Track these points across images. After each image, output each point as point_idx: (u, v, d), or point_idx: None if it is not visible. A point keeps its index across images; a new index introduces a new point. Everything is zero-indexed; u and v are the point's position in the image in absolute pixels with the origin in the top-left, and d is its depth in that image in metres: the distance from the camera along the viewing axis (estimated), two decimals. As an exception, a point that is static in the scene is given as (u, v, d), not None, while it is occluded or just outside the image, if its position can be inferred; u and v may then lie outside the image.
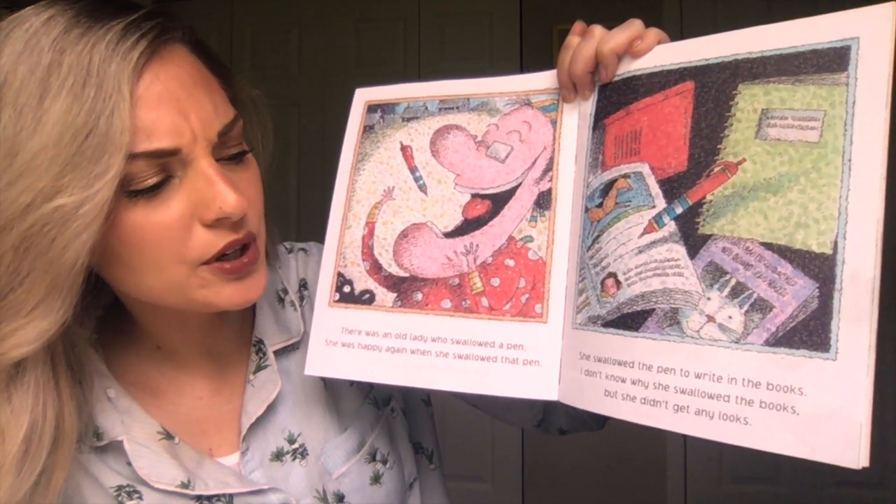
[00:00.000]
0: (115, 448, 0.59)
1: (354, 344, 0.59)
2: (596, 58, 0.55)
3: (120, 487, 0.58)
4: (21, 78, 0.47)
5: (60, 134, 0.46)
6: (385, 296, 0.60)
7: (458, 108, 0.62)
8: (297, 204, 2.67)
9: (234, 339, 0.68)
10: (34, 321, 0.49)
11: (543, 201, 0.58)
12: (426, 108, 0.63)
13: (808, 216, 0.45)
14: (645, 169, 0.52)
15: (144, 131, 0.49)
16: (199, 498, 0.59)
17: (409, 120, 0.63)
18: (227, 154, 0.55)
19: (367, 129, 0.64)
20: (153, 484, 0.58)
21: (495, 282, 0.57)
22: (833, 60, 0.45)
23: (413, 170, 0.62)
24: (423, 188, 0.61)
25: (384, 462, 0.69)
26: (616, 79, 0.55)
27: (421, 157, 0.62)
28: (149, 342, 0.63)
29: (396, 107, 0.64)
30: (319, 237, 0.66)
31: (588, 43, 0.55)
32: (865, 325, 0.41)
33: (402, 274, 0.60)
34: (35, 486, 0.52)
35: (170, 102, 0.50)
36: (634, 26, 0.54)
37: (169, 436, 0.60)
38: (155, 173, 0.50)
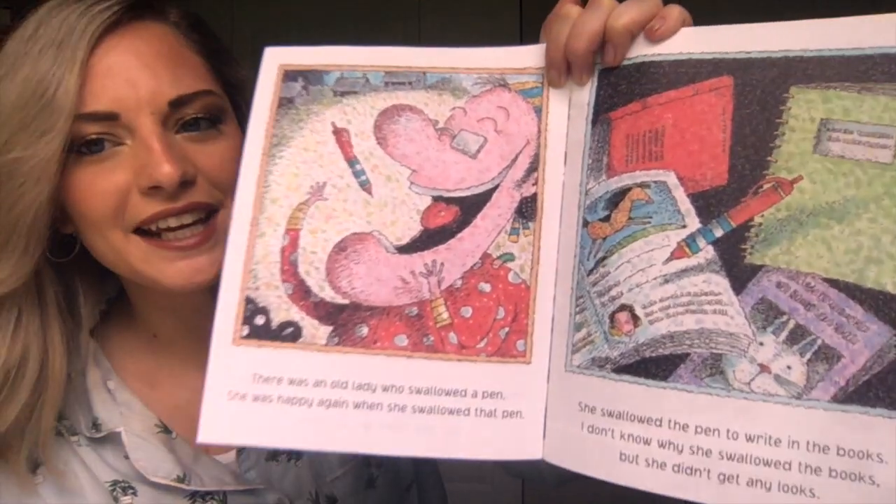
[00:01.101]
0: (113, 440, 0.63)
1: (273, 397, 0.47)
2: (604, 34, 0.46)
3: (115, 482, 0.63)
4: (10, 47, 0.56)
5: (19, 95, 0.54)
6: (316, 330, 0.48)
7: (410, 83, 0.51)
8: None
9: None
10: None
11: (527, 210, 0.49)
12: (367, 80, 0.51)
13: (882, 250, 0.40)
14: (671, 178, 0.45)
15: (91, 96, 0.54)
16: (193, 494, 0.63)
17: (343, 94, 0.52)
18: (188, 127, 0.58)
19: (285, 103, 0.52)
20: (149, 477, 0.62)
21: (466, 312, 0.48)
22: None
23: (352, 161, 0.50)
24: (366, 186, 0.49)
25: (379, 466, 0.73)
26: (626, 63, 0.47)
27: (362, 144, 0.50)
28: (146, 331, 0.67)
29: (325, 75, 0.52)
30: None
31: (595, 14, 0.47)
32: None
33: (340, 301, 0.48)
34: (27, 420, 0.59)
35: (121, 73, 0.55)
36: (653, 1, 0.46)
37: (166, 429, 0.64)
38: (101, 135, 0.55)
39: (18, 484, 0.62)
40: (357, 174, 0.49)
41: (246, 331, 0.48)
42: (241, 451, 0.66)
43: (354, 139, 0.50)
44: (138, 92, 0.55)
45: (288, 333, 0.47)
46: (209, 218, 0.58)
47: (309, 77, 0.52)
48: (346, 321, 0.47)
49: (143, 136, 0.55)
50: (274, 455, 0.67)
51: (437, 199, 0.49)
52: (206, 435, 0.46)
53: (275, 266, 0.48)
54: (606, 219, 0.47)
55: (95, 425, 0.64)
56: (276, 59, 0.53)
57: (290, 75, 0.52)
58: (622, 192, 0.47)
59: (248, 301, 0.48)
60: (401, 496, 0.77)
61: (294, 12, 3.01)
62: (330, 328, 0.47)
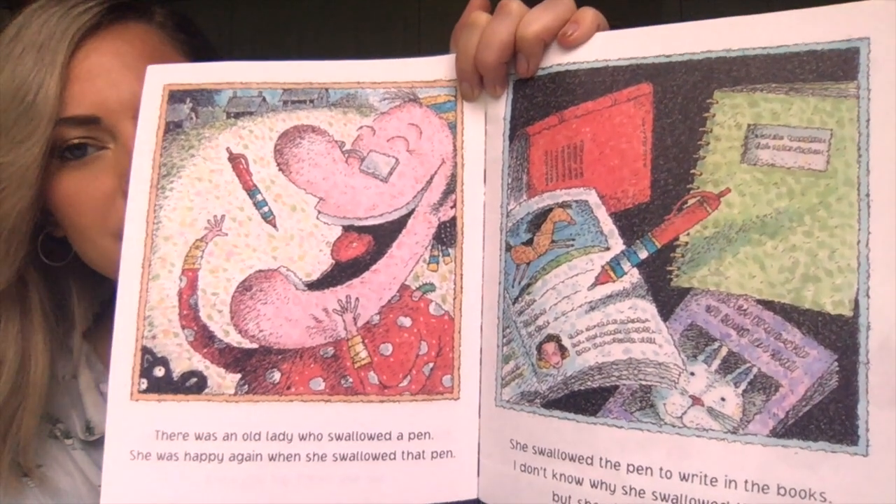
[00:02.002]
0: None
1: (179, 454, 0.46)
2: (515, 44, 0.44)
3: None
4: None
5: (0, 98, 0.55)
6: (223, 379, 0.47)
7: (311, 101, 0.49)
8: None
9: None
10: None
11: (446, 235, 0.47)
12: (264, 99, 0.50)
13: (819, 267, 0.39)
14: (592, 197, 0.43)
15: (72, 100, 0.56)
16: None
17: (238, 116, 0.50)
18: None
19: (172, 128, 0.50)
20: None
21: (386, 349, 0.47)
22: (837, 66, 0.40)
23: (252, 191, 0.48)
24: (269, 218, 0.48)
25: None
26: (540, 73, 0.45)
27: (262, 172, 0.49)
28: None
29: (216, 95, 0.50)
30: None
31: (504, 22, 0.45)
32: None
33: (248, 345, 0.47)
34: (7, 426, 0.60)
35: (101, 75, 0.57)
36: (564, 4, 0.44)
37: None
38: (83, 140, 0.57)
39: (6, 489, 0.63)
40: (258, 205, 0.48)
41: (144, 384, 0.46)
42: None
43: (253, 166, 0.49)
44: (120, 94, 0.56)
45: (192, 384, 0.46)
46: None
47: (198, 98, 0.50)
48: (255, 367, 0.46)
49: (126, 140, 0.56)
50: None
51: (347, 228, 0.47)
52: (108, 498, 0.45)
53: (172, 311, 0.47)
54: (529, 242, 0.45)
55: (88, 428, 0.66)
56: (159, 79, 0.50)
57: (176, 96, 0.50)
58: (544, 213, 0.45)
59: (146, 351, 0.46)
60: None
61: (293, 14, 3.05)
62: (238, 376, 0.46)
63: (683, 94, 0.42)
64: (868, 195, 0.38)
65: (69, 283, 0.67)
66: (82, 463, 0.66)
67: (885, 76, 0.38)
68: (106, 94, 0.57)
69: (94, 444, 0.65)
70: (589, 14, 0.45)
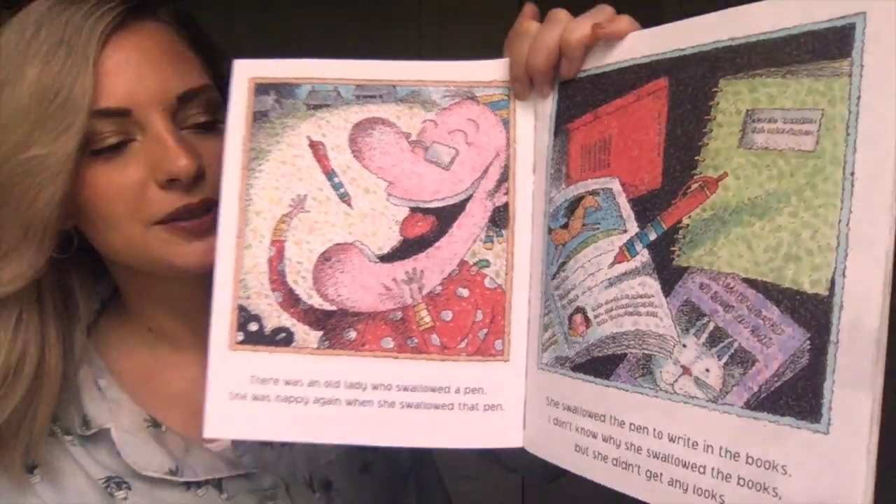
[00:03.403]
0: (103, 437, 0.71)
1: (270, 396, 0.58)
2: (560, 49, 0.52)
3: (108, 479, 0.70)
4: (8, 48, 0.62)
5: (32, 95, 0.60)
6: (307, 335, 0.59)
7: (381, 96, 0.60)
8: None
9: None
10: (8, 265, 0.63)
11: (499, 219, 0.57)
12: (339, 93, 0.60)
13: (801, 247, 0.42)
14: (615, 185, 0.51)
15: (103, 93, 0.61)
16: (187, 484, 0.71)
17: (316, 108, 0.60)
18: (193, 122, 0.66)
19: (259, 117, 0.60)
20: (140, 471, 0.69)
21: (447, 315, 0.57)
22: (833, 44, 0.42)
23: (330, 174, 0.60)
24: (345, 198, 0.59)
25: (374, 451, 0.80)
26: (581, 75, 0.53)
27: (339, 158, 0.60)
28: (141, 325, 0.76)
29: (296, 89, 0.60)
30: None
31: (552, 31, 0.54)
32: (867, 391, 0.39)
33: (328, 307, 0.59)
34: (22, 420, 0.66)
35: (129, 68, 0.63)
36: (605, 12, 0.53)
37: (156, 423, 0.72)
38: (114, 133, 0.62)
39: (14, 484, 0.68)
40: (336, 187, 0.59)
41: (241, 337, 0.58)
42: None
43: (331, 152, 0.59)
44: (148, 87, 0.63)
45: (281, 338, 0.58)
46: (210, 209, 0.65)
47: (281, 90, 0.60)
48: (334, 326, 0.59)
49: (157, 130, 0.63)
50: (268, 440, 0.74)
51: (414, 209, 0.59)
52: (210, 431, 0.58)
53: (263, 276, 0.58)
54: (565, 226, 0.54)
55: (85, 422, 0.71)
56: (245, 72, 0.60)
57: (261, 88, 0.60)
58: (577, 200, 0.53)
59: (241, 309, 0.58)
60: (397, 484, 0.84)
61: (294, 14, 3.12)
62: (320, 333, 0.59)
63: (693, 84, 0.48)
64: (853, 174, 0.40)
65: (71, 279, 0.72)
66: (81, 458, 0.71)
67: (880, 51, 0.40)
68: (135, 87, 0.62)
69: (91, 438, 0.71)
70: (625, 18, 0.52)
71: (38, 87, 0.60)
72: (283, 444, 0.75)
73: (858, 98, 0.40)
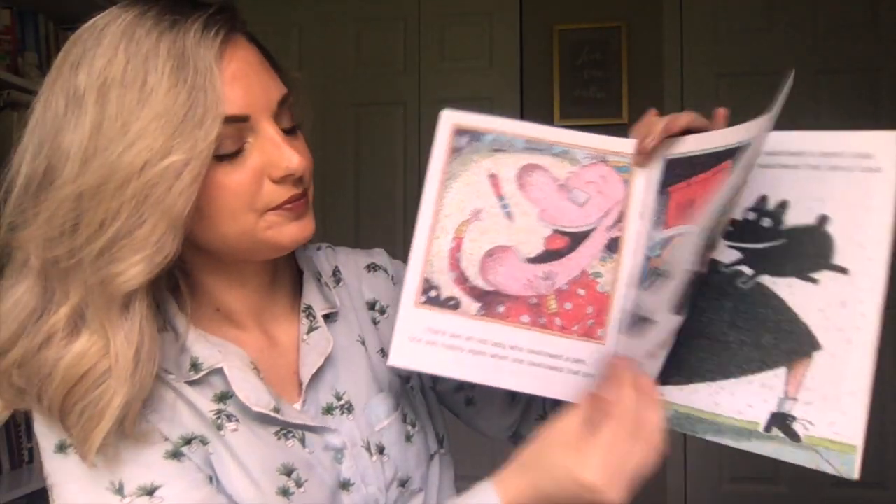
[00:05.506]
0: (208, 381, 0.80)
1: (438, 343, 0.82)
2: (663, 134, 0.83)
3: (219, 411, 0.80)
4: (123, 63, 0.69)
5: (167, 107, 0.68)
6: (470, 305, 0.83)
7: (541, 150, 0.86)
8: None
9: (284, 305, 0.92)
10: (149, 257, 0.70)
11: (613, 246, 0.85)
12: (512, 143, 0.86)
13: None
14: (692, 230, 0.79)
15: (226, 102, 0.71)
16: (284, 425, 0.82)
17: (496, 151, 0.85)
18: (283, 126, 0.78)
19: (455, 151, 0.85)
20: (252, 407, 0.79)
21: (568, 306, 0.84)
22: None
23: (500, 197, 0.85)
24: (509, 215, 0.86)
25: (413, 425, 0.93)
26: (681, 155, 0.82)
27: (507, 187, 0.85)
28: (209, 306, 0.86)
29: (484, 136, 0.86)
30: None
31: (661, 127, 0.83)
32: None
33: (487, 288, 0.85)
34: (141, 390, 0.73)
35: (242, 79, 0.73)
36: (687, 116, 0.82)
37: (256, 368, 0.83)
38: (233, 137, 0.73)
39: (134, 443, 0.74)
40: (503, 206, 0.84)
41: (423, 299, 0.82)
42: (304, 402, 0.86)
43: (502, 182, 0.84)
44: (258, 95, 0.74)
45: (451, 304, 0.82)
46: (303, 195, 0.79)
47: (472, 135, 0.85)
48: (490, 301, 0.84)
49: (270, 134, 0.74)
50: (328, 409, 0.87)
51: (556, 231, 0.86)
52: (393, 361, 0.81)
53: (445, 260, 0.83)
54: (659, 255, 0.82)
55: (194, 365, 0.80)
56: (450, 120, 0.85)
57: (459, 132, 0.85)
58: (670, 239, 0.82)
59: (426, 280, 0.82)
60: (427, 461, 0.94)
61: (294, 12, 3.38)
62: (479, 304, 0.83)
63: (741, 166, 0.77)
64: None
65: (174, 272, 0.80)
66: (188, 394, 0.79)
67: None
68: (250, 95, 0.72)
69: (199, 381, 0.80)
70: (685, 116, 0.82)
71: (173, 99, 0.68)
72: (342, 413, 0.87)
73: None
